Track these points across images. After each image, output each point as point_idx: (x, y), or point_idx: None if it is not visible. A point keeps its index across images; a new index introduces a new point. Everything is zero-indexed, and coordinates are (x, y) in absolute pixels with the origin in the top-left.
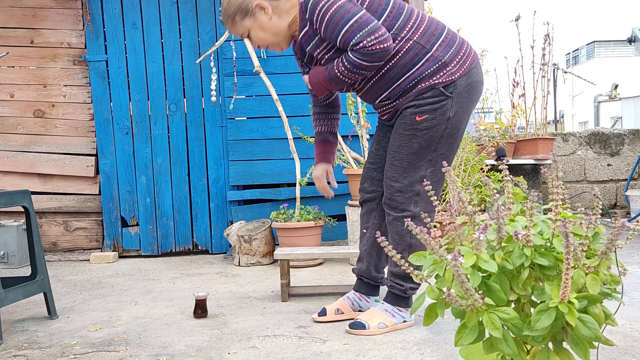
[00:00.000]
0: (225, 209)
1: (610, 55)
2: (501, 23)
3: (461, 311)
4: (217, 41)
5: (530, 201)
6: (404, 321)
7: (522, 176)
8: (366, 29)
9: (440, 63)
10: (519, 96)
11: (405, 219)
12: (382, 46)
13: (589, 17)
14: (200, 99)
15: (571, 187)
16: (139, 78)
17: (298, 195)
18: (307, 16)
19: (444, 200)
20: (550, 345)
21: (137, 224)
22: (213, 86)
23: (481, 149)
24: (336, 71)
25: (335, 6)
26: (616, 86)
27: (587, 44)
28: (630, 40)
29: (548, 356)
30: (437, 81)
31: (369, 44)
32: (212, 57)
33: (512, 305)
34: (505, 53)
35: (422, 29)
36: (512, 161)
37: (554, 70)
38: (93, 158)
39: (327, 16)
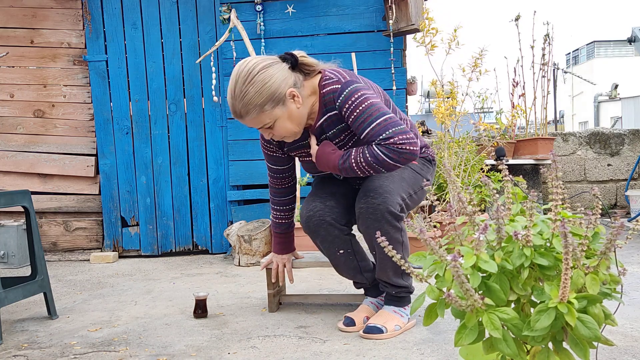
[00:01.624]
0: (225, 209)
1: (610, 55)
2: (501, 23)
3: (461, 311)
4: (217, 41)
5: (530, 201)
6: (409, 320)
7: (522, 176)
8: (398, 128)
9: (424, 147)
10: (519, 96)
11: (397, 219)
12: (411, 148)
13: (589, 17)
14: (200, 99)
15: (571, 187)
16: (139, 78)
17: (298, 195)
18: (337, 104)
19: (444, 200)
20: (550, 345)
21: (137, 224)
22: (213, 86)
23: (481, 149)
24: (352, 162)
25: (370, 100)
26: (616, 86)
27: (587, 44)
28: (630, 40)
29: (548, 356)
30: (424, 154)
31: (400, 142)
32: (212, 57)
33: (512, 305)
34: (505, 53)
35: (409, 126)
36: (512, 161)
37: (554, 70)
38: (93, 158)
39: (362, 106)
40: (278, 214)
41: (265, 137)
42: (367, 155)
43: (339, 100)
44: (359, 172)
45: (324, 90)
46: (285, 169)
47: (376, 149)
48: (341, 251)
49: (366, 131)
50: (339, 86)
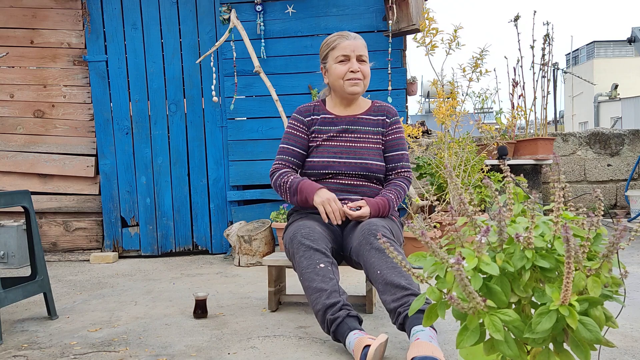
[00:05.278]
0: (225, 209)
1: (610, 55)
2: (501, 23)
3: (462, 313)
4: (217, 41)
5: (532, 202)
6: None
7: (522, 176)
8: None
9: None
10: (519, 96)
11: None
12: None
13: (589, 17)
14: (200, 99)
15: (571, 188)
16: (139, 78)
17: None
18: (388, 119)
19: (444, 201)
20: (550, 346)
21: (137, 224)
22: (213, 86)
23: (481, 148)
24: (397, 198)
25: (403, 135)
26: (616, 86)
27: (587, 44)
28: (630, 40)
29: (548, 357)
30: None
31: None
32: (212, 57)
33: (513, 306)
34: (506, 53)
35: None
36: (512, 161)
37: (554, 70)
38: (93, 158)
39: (401, 134)
40: (290, 177)
41: (354, 69)
42: (400, 191)
43: (387, 117)
44: (398, 204)
45: (379, 104)
46: (298, 154)
47: (402, 182)
48: (321, 265)
49: (399, 152)
50: (394, 110)
